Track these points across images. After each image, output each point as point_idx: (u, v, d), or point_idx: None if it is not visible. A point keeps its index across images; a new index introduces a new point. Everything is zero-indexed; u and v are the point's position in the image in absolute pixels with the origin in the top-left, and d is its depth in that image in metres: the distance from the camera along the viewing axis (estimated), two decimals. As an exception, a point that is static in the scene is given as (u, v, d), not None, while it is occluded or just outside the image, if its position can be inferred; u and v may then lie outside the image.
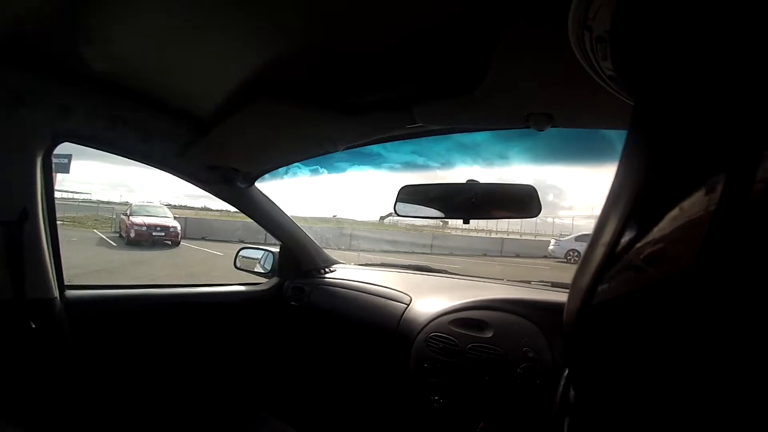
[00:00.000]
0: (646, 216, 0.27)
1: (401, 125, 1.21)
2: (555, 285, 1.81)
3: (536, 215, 1.31)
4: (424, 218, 1.49)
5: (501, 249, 20.56)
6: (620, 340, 0.29)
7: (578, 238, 17.23)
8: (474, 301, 1.49)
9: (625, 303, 0.28)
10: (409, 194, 1.49)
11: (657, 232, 0.26)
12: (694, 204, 0.24)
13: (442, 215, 1.47)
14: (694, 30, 0.27)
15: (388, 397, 1.75)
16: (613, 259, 0.27)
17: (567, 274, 12.00)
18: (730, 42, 0.25)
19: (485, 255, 18.94)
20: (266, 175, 1.80)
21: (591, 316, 0.30)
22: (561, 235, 20.82)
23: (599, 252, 0.28)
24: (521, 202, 1.33)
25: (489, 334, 1.38)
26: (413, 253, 16.26)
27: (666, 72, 0.29)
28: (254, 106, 1.13)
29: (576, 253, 16.21)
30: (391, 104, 1.14)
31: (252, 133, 1.34)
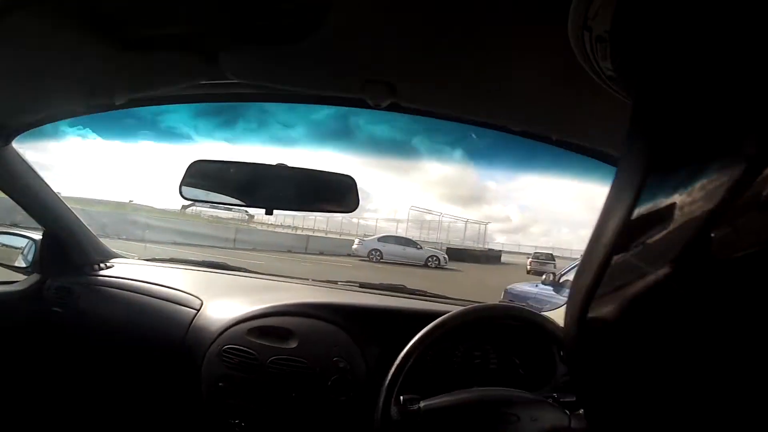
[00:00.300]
0: (647, 216, 0.26)
1: (204, 76, 0.94)
2: (363, 286, 1.74)
3: (353, 209, 1.16)
4: (216, 204, 1.22)
5: (306, 246, 20.66)
6: (622, 342, 0.29)
7: (380, 239, 18.55)
8: (275, 306, 1.33)
9: (626, 304, 0.28)
10: (202, 173, 1.18)
11: (658, 232, 0.26)
12: (695, 203, 0.24)
13: (242, 203, 1.22)
14: (695, 29, 0.27)
15: (179, 427, 1.47)
16: (614, 259, 0.27)
17: (371, 273, 12.97)
18: (731, 41, 0.25)
19: (290, 252, 18.83)
20: (37, 143, 1.37)
21: (591, 316, 0.29)
22: (365, 236, 22.08)
23: (599, 252, 0.28)
24: (338, 194, 1.17)
25: (293, 344, 1.24)
26: (213, 247, 15.26)
27: (667, 71, 0.29)
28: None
29: (378, 253, 17.39)
30: (189, 44, 0.87)
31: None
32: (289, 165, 1.15)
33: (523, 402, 1.06)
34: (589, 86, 0.54)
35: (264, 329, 1.27)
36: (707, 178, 0.23)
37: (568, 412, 1.07)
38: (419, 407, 1.02)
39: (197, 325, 1.36)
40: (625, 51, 0.38)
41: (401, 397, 1.03)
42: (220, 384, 1.24)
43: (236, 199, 1.22)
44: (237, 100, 1.12)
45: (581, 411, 1.07)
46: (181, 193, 1.16)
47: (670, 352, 0.26)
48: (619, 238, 0.27)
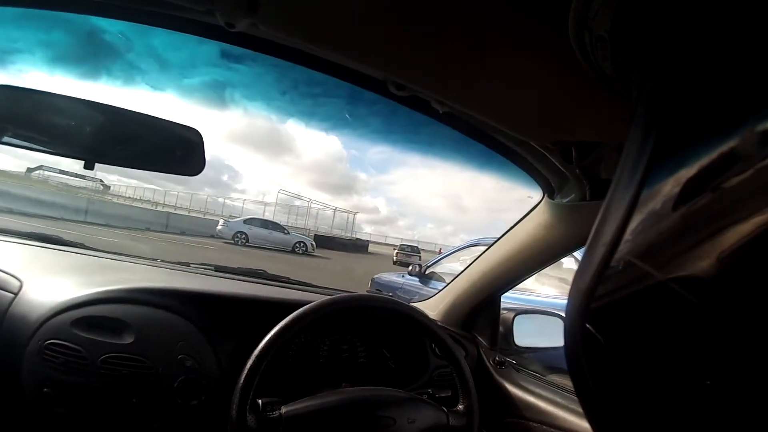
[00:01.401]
0: (647, 216, 0.26)
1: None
2: (219, 269, 1.52)
3: (197, 172, 0.92)
4: (21, 146, 0.88)
5: (166, 224, 19.23)
6: (622, 341, 0.28)
7: (247, 221, 17.98)
8: (106, 292, 1.04)
9: (627, 305, 0.28)
10: (9, 102, 0.84)
11: (658, 231, 0.26)
12: (695, 203, 0.24)
13: (56, 149, 0.90)
14: (696, 28, 0.27)
15: None
16: (614, 260, 0.27)
17: (235, 255, 12.42)
18: (733, 40, 0.25)
19: (148, 230, 17.29)
20: None
21: (592, 317, 0.29)
22: (231, 217, 21.24)
23: (599, 252, 0.28)
24: (180, 150, 0.93)
25: (129, 339, 0.99)
26: (61, 219, 13.28)
27: (668, 68, 0.29)
28: None
29: (243, 236, 16.84)
30: None
31: None
32: (121, 107, 0.87)
33: (397, 402, 0.96)
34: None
35: (93, 320, 1.00)
36: (708, 178, 0.24)
37: (445, 409, 0.99)
38: (281, 413, 0.87)
39: (15, 312, 1.03)
40: (626, 50, 0.39)
41: (259, 402, 0.88)
42: (45, 390, 0.95)
43: (50, 143, 0.89)
44: (55, 6, 0.81)
45: (459, 407, 1.01)
46: None
47: (671, 353, 0.25)
48: (619, 238, 0.27)
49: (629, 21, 0.37)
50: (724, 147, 0.23)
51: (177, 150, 0.93)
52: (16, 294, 1.05)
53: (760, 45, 0.23)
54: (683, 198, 0.24)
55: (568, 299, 0.31)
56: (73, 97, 0.85)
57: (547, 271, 3.30)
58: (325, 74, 0.78)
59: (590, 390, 0.31)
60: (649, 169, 0.27)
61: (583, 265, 0.30)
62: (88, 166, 0.86)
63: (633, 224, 0.27)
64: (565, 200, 1.00)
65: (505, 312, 1.47)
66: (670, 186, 0.25)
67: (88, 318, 0.99)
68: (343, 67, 0.72)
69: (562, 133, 0.78)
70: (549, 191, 1.04)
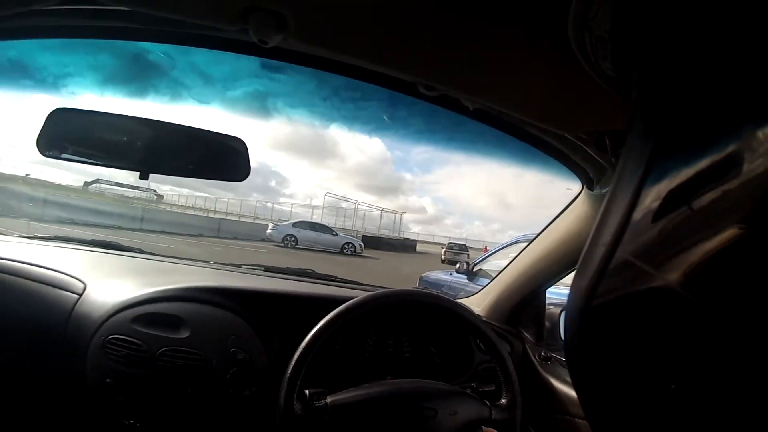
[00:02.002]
0: (646, 216, 0.26)
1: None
2: (269, 269, 1.59)
3: (243, 178, 0.98)
4: (81, 162, 0.97)
5: (218, 229, 19.79)
6: (621, 340, 0.28)
7: (295, 224, 18.29)
8: (163, 291, 1.13)
9: (627, 305, 0.28)
10: (65, 124, 0.93)
11: (657, 231, 0.26)
12: (694, 203, 0.24)
13: (113, 163, 0.99)
14: (696, 28, 0.27)
15: (68, 429, 1.23)
16: (614, 259, 0.28)
17: (285, 257, 12.71)
18: (733, 40, 0.25)
19: (201, 235, 17.88)
20: None
21: (592, 316, 0.29)
22: (280, 221, 21.71)
23: (599, 252, 0.28)
24: (227, 159, 0.99)
25: (185, 334, 1.07)
26: (120, 228, 14.07)
27: (668, 70, 0.29)
28: None
29: (293, 238, 17.16)
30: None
31: None
32: (170, 121, 0.95)
33: (440, 394, 0.98)
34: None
35: (152, 316, 1.09)
36: (708, 177, 0.24)
37: (488, 403, 1.00)
38: (326, 402, 0.90)
39: (79, 312, 1.14)
40: (626, 50, 0.39)
41: (306, 392, 0.92)
42: (108, 380, 1.05)
43: (106, 158, 0.99)
44: (101, 36, 0.89)
45: (502, 401, 1.01)
46: (39, 146, 0.91)
47: (670, 353, 0.26)
48: (619, 238, 0.27)
49: (629, 21, 0.36)
50: (724, 146, 0.23)
51: (223, 158, 0.99)
52: (80, 295, 1.16)
53: (759, 44, 0.23)
54: (683, 197, 0.25)
55: (569, 297, 0.31)
56: (124, 115, 0.94)
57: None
58: (357, 80, 0.81)
59: (588, 386, 0.31)
60: (649, 169, 0.27)
61: (583, 264, 0.30)
62: (143, 176, 0.94)
63: (633, 223, 0.27)
64: (604, 190, 0.98)
65: (551, 307, 1.45)
66: (670, 185, 0.26)
67: (147, 315, 1.08)
68: (374, 72, 0.75)
69: (594, 122, 0.77)
70: (588, 182, 1.03)
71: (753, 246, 0.22)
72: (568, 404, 1.22)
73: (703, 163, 0.24)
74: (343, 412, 0.90)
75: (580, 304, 0.30)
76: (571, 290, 0.31)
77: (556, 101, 0.72)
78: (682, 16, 0.29)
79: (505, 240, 4.99)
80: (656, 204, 0.26)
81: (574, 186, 1.11)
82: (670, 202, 0.25)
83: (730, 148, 0.23)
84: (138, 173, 0.93)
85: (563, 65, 0.62)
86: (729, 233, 0.22)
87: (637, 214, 0.27)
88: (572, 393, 1.22)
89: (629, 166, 0.29)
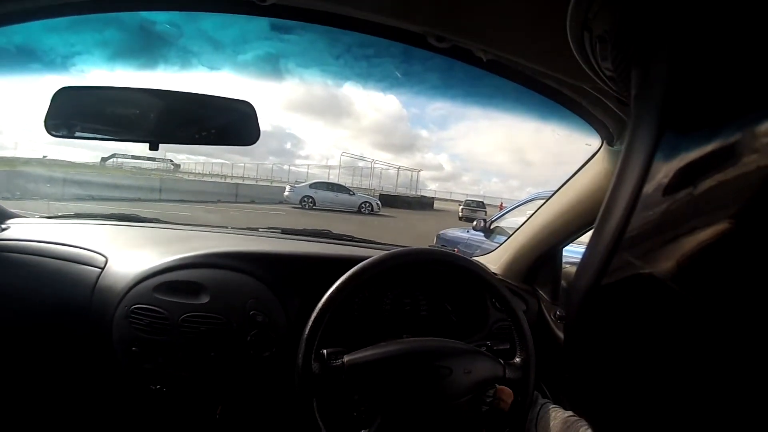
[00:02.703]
0: (646, 215, 0.27)
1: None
2: (285, 232, 1.60)
3: (254, 141, 0.97)
4: (91, 138, 0.97)
5: (236, 194, 19.96)
6: (622, 341, 0.29)
7: (312, 186, 18.38)
8: (181, 259, 1.15)
9: (627, 305, 0.28)
10: (71, 103, 0.92)
11: (657, 231, 0.26)
12: (694, 203, 0.24)
13: (122, 137, 0.99)
14: (696, 28, 0.27)
15: (98, 398, 1.29)
16: (621, 243, 0.28)
17: (302, 219, 12.85)
18: (733, 38, 0.25)
19: (219, 201, 18.09)
20: None
21: (599, 295, 0.29)
22: (297, 182, 21.81)
23: (599, 251, 0.29)
24: (235, 123, 0.99)
25: (205, 300, 1.10)
26: (140, 200, 14.32)
27: (668, 70, 0.29)
28: None
29: (310, 200, 17.29)
30: None
31: None
32: (175, 90, 0.94)
33: (455, 353, 0.98)
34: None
35: (172, 284, 1.11)
36: (708, 177, 0.24)
37: (502, 361, 1.00)
38: (343, 362, 0.92)
39: (102, 285, 1.17)
40: (626, 50, 0.38)
41: (324, 351, 0.93)
42: (134, 348, 1.09)
43: (115, 133, 0.99)
44: (102, 9, 0.86)
45: (516, 360, 1.02)
46: (47, 127, 0.91)
47: (671, 353, 0.26)
48: (619, 237, 0.28)
49: (629, 21, 0.37)
50: (725, 144, 0.23)
51: (232, 123, 0.98)
52: (102, 268, 1.19)
53: (760, 43, 0.23)
54: (683, 195, 0.25)
55: (575, 275, 0.32)
56: (130, 87, 0.93)
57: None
58: (366, 34, 0.78)
59: (590, 388, 0.31)
60: (649, 169, 0.27)
61: (583, 264, 0.31)
62: (153, 147, 0.93)
63: (633, 223, 0.27)
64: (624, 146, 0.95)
65: (567, 266, 1.44)
66: (671, 183, 0.26)
67: (168, 283, 1.10)
68: (381, 25, 0.72)
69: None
70: (608, 138, 0.99)
71: (755, 236, 0.21)
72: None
73: (703, 161, 0.24)
74: (359, 371, 0.91)
75: (581, 305, 0.30)
76: (570, 291, 0.32)
77: (568, 47, 0.68)
78: (682, 16, 0.28)
79: (523, 197, 4.91)
80: (656, 204, 0.26)
81: (593, 142, 1.07)
82: (670, 198, 0.26)
83: (732, 146, 0.23)
84: (147, 145, 0.93)
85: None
86: (732, 233, 0.22)
87: (638, 213, 0.27)
88: None
89: (630, 163, 0.29)
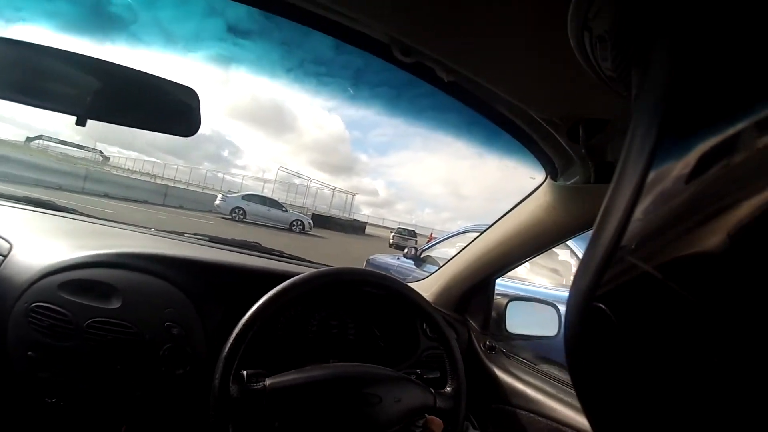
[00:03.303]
0: (647, 215, 0.26)
1: None
2: (213, 240, 1.51)
3: (193, 132, 0.88)
4: (7, 99, 0.84)
5: (165, 197, 19.19)
6: (622, 343, 0.28)
7: (245, 197, 17.92)
8: (96, 255, 1.02)
9: (627, 306, 0.28)
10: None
11: (658, 231, 0.26)
12: (695, 203, 0.24)
13: (47, 103, 0.86)
14: (696, 28, 0.27)
15: None
16: (615, 257, 0.28)
17: (232, 230, 12.40)
18: (734, 37, 0.25)
19: (146, 202, 17.27)
20: None
21: (592, 315, 0.29)
22: (229, 192, 21.18)
23: (599, 252, 0.28)
24: (176, 110, 0.89)
25: (116, 305, 0.97)
26: (59, 189, 13.26)
27: (668, 70, 0.29)
28: None
29: (241, 211, 16.81)
30: None
31: None
32: (116, 62, 0.82)
33: (385, 380, 0.94)
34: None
35: (81, 283, 0.98)
36: (708, 177, 0.23)
37: (433, 390, 0.97)
38: (264, 385, 0.84)
39: (2, 275, 1.01)
40: (626, 50, 0.39)
41: (244, 372, 0.85)
42: (30, 353, 0.93)
43: (39, 97, 0.85)
44: None
45: (447, 389, 0.99)
46: None
47: (672, 355, 0.25)
48: (619, 238, 0.27)
49: (629, 21, 0.37)
50: (727, 144, 0.23)
51: (172, 109, 0.88)
52: (5, 256, 1.03)
53: (760, 42, 0.23)
54: (683, 196, 0.25)
55: (568, 299, 0.31)
56: (65, 50, 0.81)
57: (540, 261, 3.29)
58: (328, 35, 0.74)
59: (588, 383, 0.31)
60: (650, 168, 0.27)
61: (583, 264, 0.30)
62: (80, 122, 0.82)
63: (634, 222, 0.27)
64: (568, 182, 0.97)
65: (498, 297, 1.45)
66: (672, 183, 0.25)
67: (76, 281, 0.97)
68: (347, 28, 0.68)
69: (570, 106, 0.75)
70: (552, 172, 1.01)
71: (756, 246, 0.21)
72: (509, 395, 1.22)
73: (705, 163, 0.24)
74: (282, 396, 0.84)
75: (580, 305, 0.30)
76: (571, 287, 0.31)
77: (538, 80, 0.69)
78: (683, 16, 0.28)
79: (454, 229, 5.04)
80: (656, 204, 0.26)
81: (536, 175, 1.09)
82: (670, 199, 0.25)
83: (734, 148, 0.23)
84: (75, 119, 0.81)
85: (552, 44, 0.59)
86: (733, 232, 0.22)
87: (638, 213, 0.27)
88: (514, 383, 1.23)
89: (630, 165, 0.29)
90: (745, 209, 0.21)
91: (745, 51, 0.24)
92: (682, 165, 0.25)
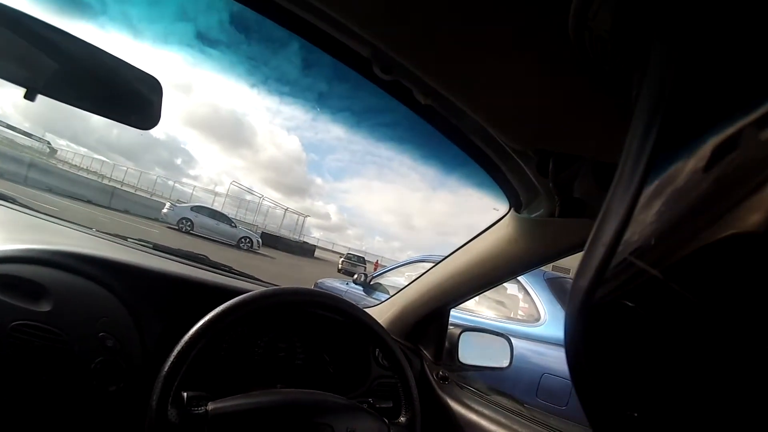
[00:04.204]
0: (647, 215, 0.26)
1: None
2: (157, 248, 1.42)
3: (150, 126, 0.82)
4: None
5: (110, 199, 18.38)
6: (623, 340, 0.28)
7: (194, 208, 17.38)
8: (27, 250, 0.91)
9: (627, 306, 0.27)
10: None
11: (658, 231, 0.26)
12: (695, 203, 0.24)
13: None
14: (696, 27, 0.27)
15: None
16: (614, 259, 0.27)
17: (177, 240, 11.90)
18: (734, 37, 0.25)
19: (90, 202, 16.40)
20: None
21: (592, 317, 0.29)
22: (178, 201, 20.46)
23: (599, 252, 0.28)
24: (136, 99, 0.83)
25: (46, 308, 0.86)
26: None
27: (668, 70, 0.29)
28: None
29: (189, 223, 16.26)
30: None
31: None
32: (79, 37, 0.75)
33: (337, 409, 0.90)
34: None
35: (7, 279, 0.87)
36: (708, 177, 0.23)
37: (387, 420, 0.94)
38: (207, 410, 0.78)
39: None
40: (626, 50, 0.39)
41: (184, 395, 0.79)
42: None
43: None
44: None
45: (401, 419, 0.96)
46: None
47: (672, 352, 0.25)
48: (619, 238, 0.27)
49: (629, 21, 0.37)
50: (726, 144, 0.23)
51: (133, 98, 0.82)
52: None
53: (761, 43, 0.24)
54: (683, 196, 0.25)
55: (569, 299, 0.31)
56: (22, 12, 0.73)
57: (489, 293, 3.34)
58: (310, 43, 0.72)
59: (590, 389, 0.31)
60: (650, 168, 0.27)
61: (583, 265, 0.30)
62: (29, 96, 0.74)
63: (634, 222, 0.27)
64: (532, 215, 0.98)
65: (451, 327, 1.44)
66: (671, 184, 0.26)
67: (4, 276, 0.86)
68: (330, 37, 0.67)
69: (544, 140, 0.76)
70: (516, 204, 1.02)
71: (756, 247, 0.21)
72: (463, 425, 1.19)
73: (705, 163, 0.24)
74: (225, 422, 0.78)
75: (580, 305, 0.29)
76: (570, 290, 0.31)
77: (517, 109, 0.69)
78: (683, 15, 0.29)
79: (404, 258, 5.05)
80: (657, 204, 0.26)
81: (499, 206, 1.10)
82: (670, 200, 0.25)
83: (734, 148, 0.23)
84: (24, 91, 0.73)
85: (537, 76, 0.60)
86: (733, 233, 0.22)
87: (638, 213, 0.27)
88: (467, 414, 1.21)
89: (629, 165, 0.28)
90: (747, 208, 0.21)
91: (744, 49, 0.24)
92: (682, 165, 0.25)
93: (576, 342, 0.30)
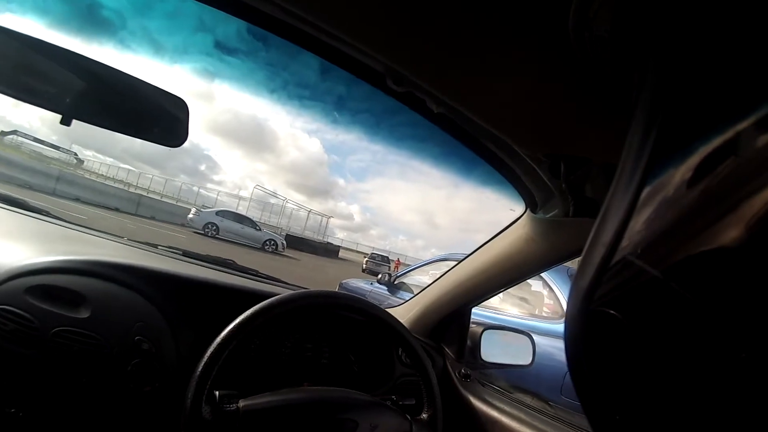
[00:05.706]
0: (647, 215, 0.26)
1: None
2: (187, 254, 1.47)
3: (179, 143, 0.88)
4: (2, 93, 0.81)
5: (137, 206, 18.81)
6: (623, 340, 0.28)
7: (219, 213, 17.63)
8: (66, 261, 0.97)
9: (627, 306, 0.28)
10: None
11: (658, 231, 0.26)
12: (695, 201, 0.24)
13: (30, 98, 0.84)
14: (696, 27, 0.28)
15: None
16: (614, 259, 0.27)
17: (204, 245, 12.11)
18: (733, 38, 0.25)
19: (118, 210, 16.89)
20: None
21: (592, 317, 0.29)
22: (203, 207, 20.81)
23: (599, 252, 0.28)
24: (164, 119, 0.88)
25: (85, 314, 0.92)
26: (29, 188, 12.80)
27: (668, 70, 0.29)
28: None
29: (214, 227, 16.52)
30: None
31: None
32: (106, 63, 0.80)
33: (361, 405, 0.93)
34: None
35: (48, 289, 0.93)
36: (708, 177, 0.24)
37: (409, 417, 0.96)
38: (238, 407, 0.82)
39: None
40: (626, 50, 0.40)
41: (216, 393, 0.84)
42: None
43: (25, 92, 0.82)
44: None
45: (423, 416, 0.99)
46: None
47: (672, 355, 0.26)
48: (619, 238, 0.27)
49: (629, 21, 0.37)
50: (725, 146, 0.23)
51: (161, 118, 0.87)
52: None
53: (760, 44, 0.24)
54: (683, 196, 0.25)
55: (569, 299, 0.31)
56: (55, 45, 0.79)
57: (513, 291, 3.33)
58: (324, 59, 0.75)
59: (590, 389, 0.31)
60: (650, 168, 0.27)
61: (583, 265, 0.30)
62: (65, 121, 0.80)
63: (634, 223, 0.27)
64: (547, 215, 0.99)
65: (473, 326, 1.46)
66: (671, 184, 0.26)
67: (44, 287, 0.92)
68: (344, 54, 0.70)
69: (554, 145, 0.77)
70: (532, 205, 1.03)
71: (755, 247, 0.21)
72: (485, 422, 1.21)
73: (703, 162, 0.24)
74: (256, 419, 0.82)
75: (580, 305, 0.30)
76: (571, 291, 0.31)
77: (526, 116, 0.70)
78: (683, 15, 0.29)
79: (428, 256, 5.05)
80: (657, 203, 0.26)
81: (516, 207, 1.11)
82: (670, 200, 0.26)
83: (734, 149, 0.23)
84: (60, 117, 0.79)
85: (544, 84, 0.61)
86: (729, 232, 0.22)
87: (638, 213, 0.27)
88: (489, 411, 1.23)
89: (629, 165, 0.29)
90: (746, 209, 0.22)
91: (744, 50, 0.25)
92: (682, 165, 0.25)
93: (576, 342, 0.31)
